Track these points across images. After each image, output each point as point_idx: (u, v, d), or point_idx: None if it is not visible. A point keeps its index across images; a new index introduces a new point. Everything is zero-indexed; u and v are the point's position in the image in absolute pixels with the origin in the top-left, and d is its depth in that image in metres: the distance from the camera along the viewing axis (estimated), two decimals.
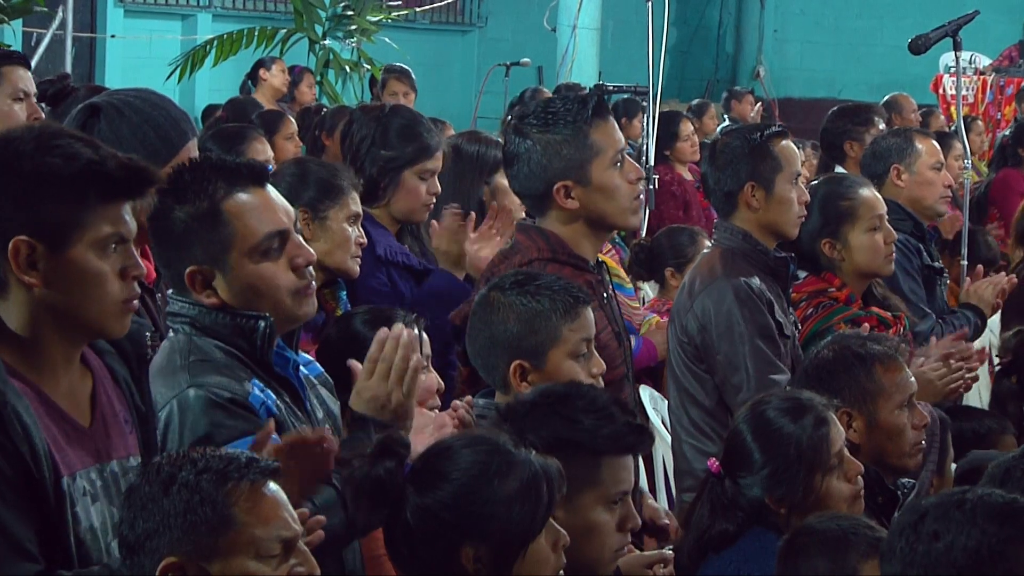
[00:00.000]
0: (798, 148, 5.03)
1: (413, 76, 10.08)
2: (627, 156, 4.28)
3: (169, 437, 3.16)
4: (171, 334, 3.34)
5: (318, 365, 3.59)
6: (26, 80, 4.76)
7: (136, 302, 2.85)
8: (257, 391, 3.24)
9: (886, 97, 10.20)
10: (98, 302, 2.78)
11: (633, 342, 5.67)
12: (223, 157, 3.39)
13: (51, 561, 2.69)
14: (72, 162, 2.74)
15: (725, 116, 13.84)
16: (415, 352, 3.27)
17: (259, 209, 3.28)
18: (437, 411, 3.64)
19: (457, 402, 3.66)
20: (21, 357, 2.77)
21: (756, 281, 4.77)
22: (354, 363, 3.40)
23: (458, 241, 4.86)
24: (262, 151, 6.10)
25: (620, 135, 4.30)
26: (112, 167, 2.76)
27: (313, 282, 3.36)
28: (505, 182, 5.25)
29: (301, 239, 3.35)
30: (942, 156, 6.19)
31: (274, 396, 3.27)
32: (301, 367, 3.48)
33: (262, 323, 3.26)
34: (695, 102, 13.63)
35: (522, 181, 4.25)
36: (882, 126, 7.09)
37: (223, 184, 3.25)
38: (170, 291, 3.39)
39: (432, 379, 3.69)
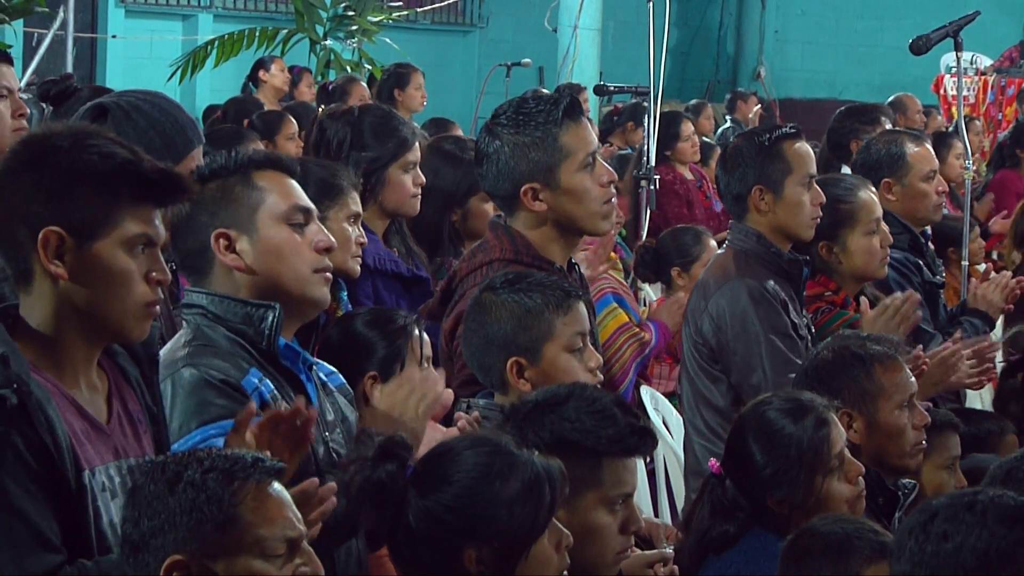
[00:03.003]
0: None
1: None
2: (599, 159, 4.26)
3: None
4: (183, 324, 3.40)
5: (340, 376, 3.62)
6: (8, 76, 4.72)
7: (158, 308, 2.88)
8: (253, 378, 3.29)
9: (891, 98, 10.20)
10: (121, 301, 2.81)
11: (652, 328, 5.72)
12: (255, 149, 3.50)
13: (72, 554, 2.71)
14: (108, 160, 2.79)
15: (727, 117, 13.84)
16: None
17: (287, 186, 3.41)
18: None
19: (461, 414, 3.66)
20: (43, 355, 2.80)
21: (770, 283, 4.76)
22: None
23: None
24: None
25: (593, 137, 4.27)
26: (147, 169, 2.82)
27: (330, 272, 3.43)
28: None
29: (322, 225, 3.46)
30: (936, 163, 5.97)
31: (271, 385, 3.31)
32: (322, 375, 3.54)
33: (271, 314, 3.32)
34: (692, 102, 13.64)
35: (491, 181, 4.25)
36: (889, 126, 7.02)
37: (254, 163, 3.39)
38: (185, 288, 3.44)
39: (449, 394, 3.72)
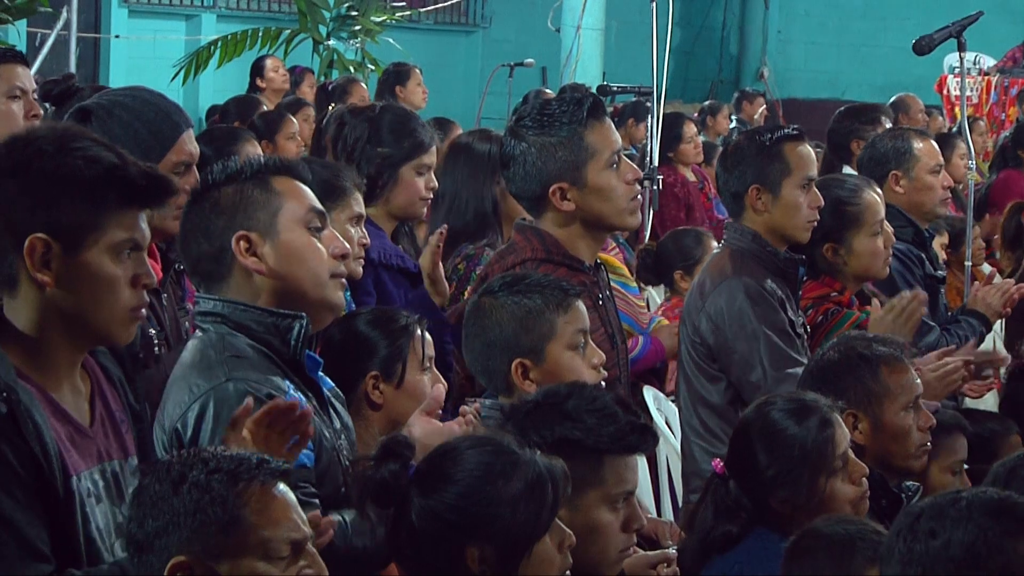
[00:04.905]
0: None
1: None
2: (623, 157, 4.30)
3: (203, 428, 3.18)
4: (199, 332, 3.37)
5: (329, 380, 3.61)
6: (22, 77, 4.72)
7: (144, 311, 2.87)
8: (292, 391, 3.26)
9: (893, 98, 10.19)
10: (108, 307, 2.79)
11: (640, 341, 5.66)
12: (269, 156, 3.54)
13: (61, 561, 2.70)
14: (94, 165, 2.77)
15: (733, 117, 13.86)
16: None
17: (303, 191, 3.40)
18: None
19: (465, 407, 3.66)
20: (27, 358, 2.78)
21: (768, 281, 4.77)
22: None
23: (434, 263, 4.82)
24: (254, 153, 6.08)
25: (616, 136, 4.33)
26: (134, 173, 2.79)
27: (344, 278, 3.43)
28: None
29: (335, 231, 3.46)
30: (941, 158, 6.06)
31: (304, 399, 3.29)
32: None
33: (298, 324, 3.30)
34: (707, 102, 13.67)
35: (518, 183, 4.28)
36: (888, 126, 7.03)
37: (270, 169, 3.39)
38: (198, 292, 3.41)
39: (440, 389, 3.70)
